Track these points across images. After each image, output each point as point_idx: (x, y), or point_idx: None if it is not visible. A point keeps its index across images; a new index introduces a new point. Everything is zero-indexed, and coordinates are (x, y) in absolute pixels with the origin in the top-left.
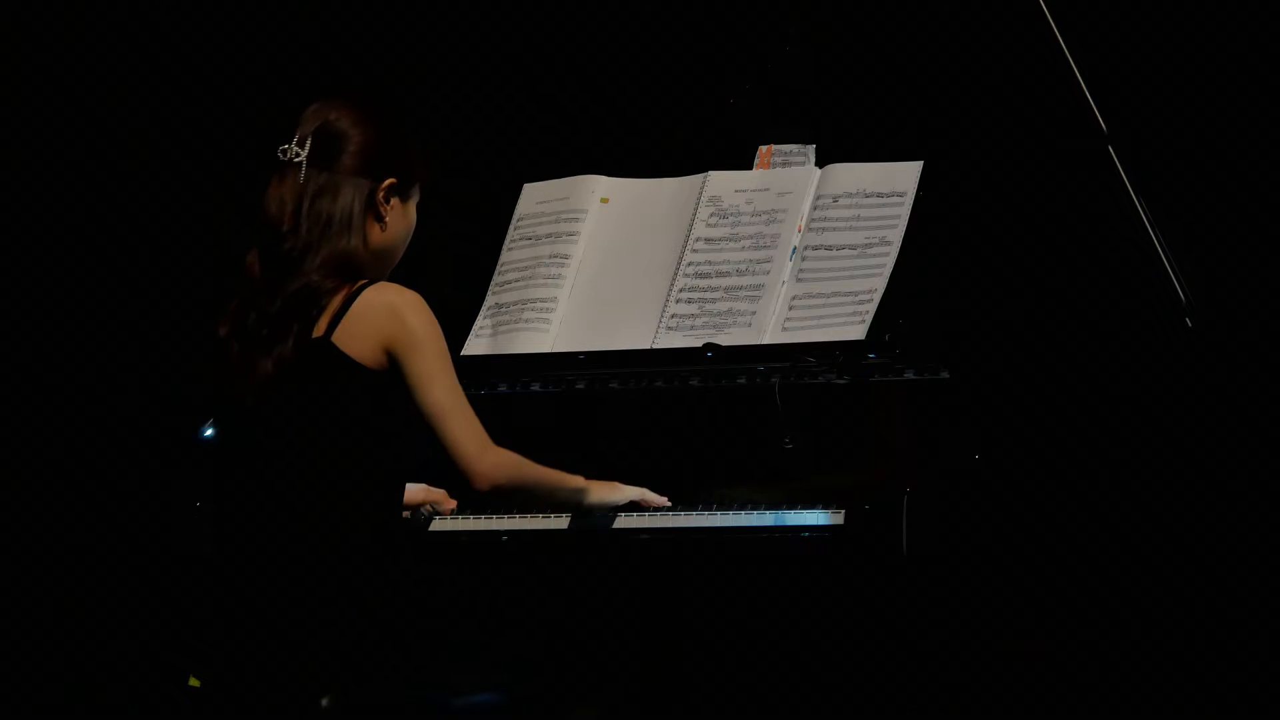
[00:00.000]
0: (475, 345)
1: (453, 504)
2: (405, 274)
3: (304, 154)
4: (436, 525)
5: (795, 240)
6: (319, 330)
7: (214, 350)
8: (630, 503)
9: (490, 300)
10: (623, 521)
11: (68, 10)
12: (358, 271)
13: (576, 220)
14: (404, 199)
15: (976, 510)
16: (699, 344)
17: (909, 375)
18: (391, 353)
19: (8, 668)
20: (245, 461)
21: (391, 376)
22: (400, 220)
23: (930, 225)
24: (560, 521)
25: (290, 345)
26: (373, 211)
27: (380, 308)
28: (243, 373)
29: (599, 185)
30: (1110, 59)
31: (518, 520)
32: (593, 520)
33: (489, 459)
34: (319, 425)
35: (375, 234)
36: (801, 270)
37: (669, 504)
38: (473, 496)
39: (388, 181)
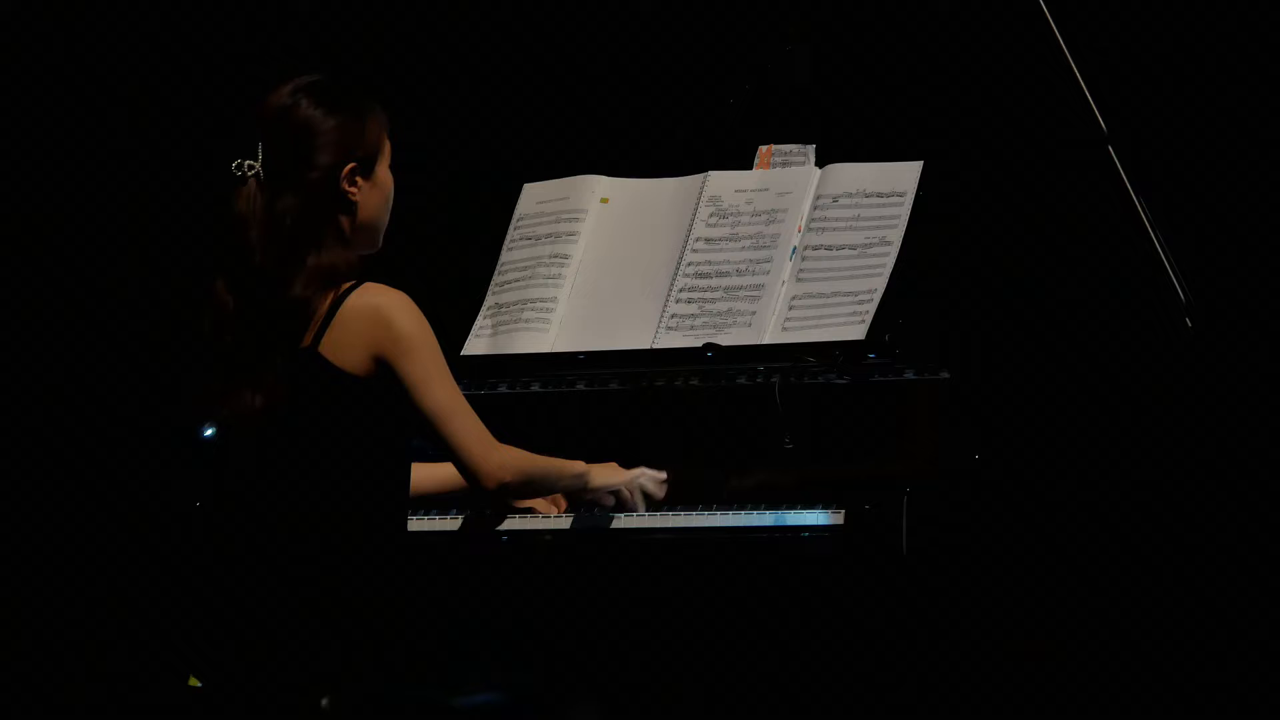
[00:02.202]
0: (475, 345)
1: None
2: (405, 274)
3: (257, 165)
4: (436, 525)
5: (795, 240)
6: (305, 341)
7: (198, 379)
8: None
9: (490, 300)
10: (622, 521)
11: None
12: (342, 273)
13: (576, 220)
14: (368, 174)
15: (976, 510)
16: (699, 344)
17: (909, 375)
18: (382, 359)
19: (8, 668)
20: (243, 469)
21: (383, 382)
22: (372, 193)
23: (930, 225)
24: (562, 522)
25: (277, 378)
26: (339, 203)
27: (366, 313)
28: (229, 402)
29: (599, 185)
30: (1110, 59)
31: (517, 520)
32: (592, 520)
33: (495, 458)
34: (312, 437)
35: (348, 222)
36: (801, 270)
37: (664, 477)
38: (479, 496)
39: (347, 168)
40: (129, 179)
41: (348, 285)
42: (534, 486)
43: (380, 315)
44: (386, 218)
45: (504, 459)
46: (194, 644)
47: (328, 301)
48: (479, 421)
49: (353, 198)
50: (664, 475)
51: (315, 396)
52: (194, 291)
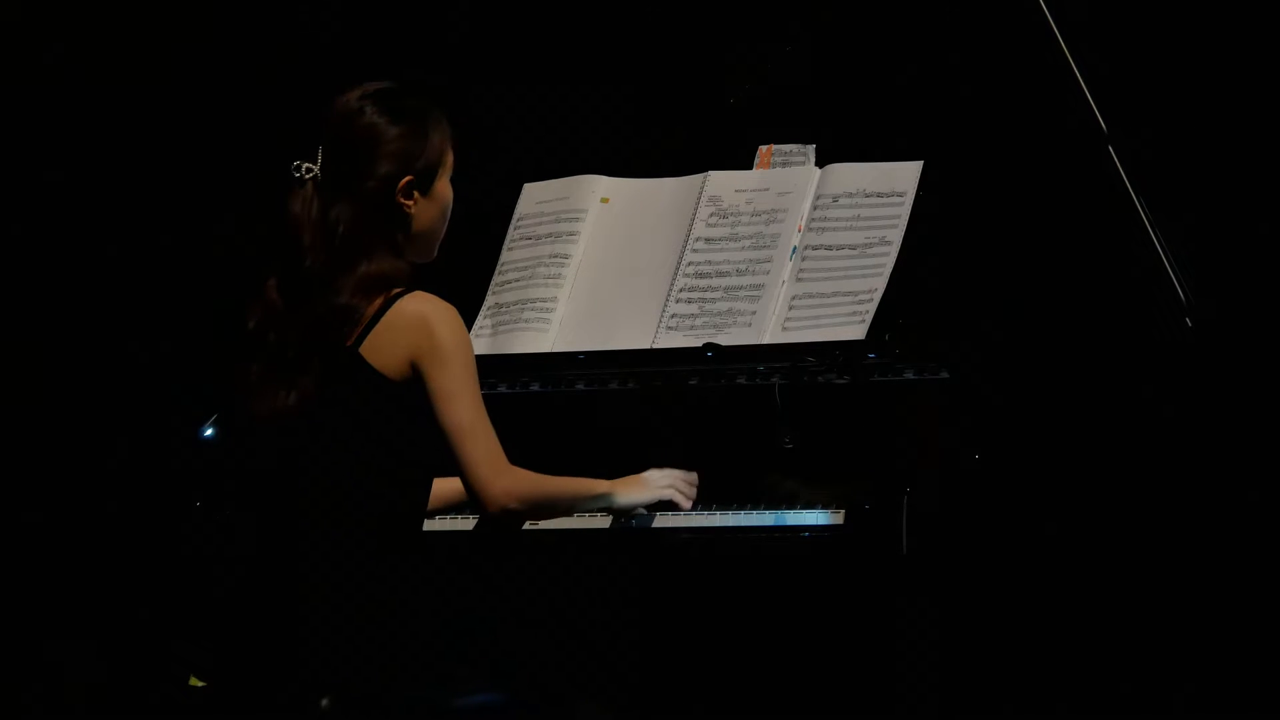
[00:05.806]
0: (475, 345)
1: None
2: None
3: (316, 169)
4: (438, 525)
5: (795, 240)
6: (348, 340)
7: (234, 372)
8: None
9: (490, 300)
10: (619, 522)
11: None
12: (392, 281)
13: (576, 220)
14: (426, 190)
15: (976, 510)
16: (699, 344)
17: (909, 375)
18: (417, 365)
19: (8, 668)
20: (262, 465)
21: (415, 388)
22: (428, 208)
23: (930, 225)
24: (556, 522)
25: (313, 380)
26: (395, 215)
27: (411, 319)
28: (263, 397)
29: (599, 185)
30: (1110, 59)
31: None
32: (585, 521)
33: (501, 484)
34: (338, 436)
35: (401, 233)
36: (801, 270)
37: (694, 479)
38: (484, 518)
39: (404, 181)
40: (131, 177)
41: (398, 291)
42: (545, 512)
43: (424, 322)
44: (442, 229)
45: (511, 485)
46: (194, 644)
47: (376, 305)
48: (495, 444)
49: (407, 210)
50: (694, 476)
51: (348, 395)
52: (196, 288)
